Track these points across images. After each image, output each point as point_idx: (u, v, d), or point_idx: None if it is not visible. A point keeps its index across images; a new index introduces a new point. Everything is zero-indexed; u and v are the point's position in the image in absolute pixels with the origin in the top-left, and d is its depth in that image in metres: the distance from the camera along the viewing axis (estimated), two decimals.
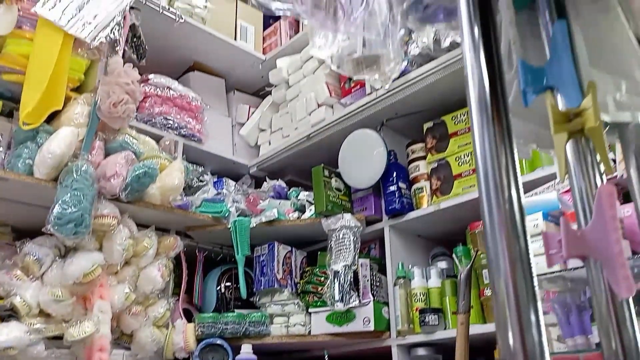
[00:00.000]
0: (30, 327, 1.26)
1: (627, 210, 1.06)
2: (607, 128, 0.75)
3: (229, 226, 1.67)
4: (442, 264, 1.63)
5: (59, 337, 1.36)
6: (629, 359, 0.52)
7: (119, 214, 1.44)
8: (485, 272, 1.43)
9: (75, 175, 1.34)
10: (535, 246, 1.13)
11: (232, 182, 1.92)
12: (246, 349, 1.54)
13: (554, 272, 1.06)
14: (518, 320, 0.48)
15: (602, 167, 0.61)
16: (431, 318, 1.47)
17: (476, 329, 1.39)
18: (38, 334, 1.27)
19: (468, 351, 1.06)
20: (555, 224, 1.12)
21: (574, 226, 0.58)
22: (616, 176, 1.13)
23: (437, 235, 1.76)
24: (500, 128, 0.54)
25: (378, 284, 1.62)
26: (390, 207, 1.67)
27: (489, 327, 1.38)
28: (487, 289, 1.41)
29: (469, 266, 1.14)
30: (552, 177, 1.32)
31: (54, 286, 1.32)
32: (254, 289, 1.69)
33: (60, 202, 1.30)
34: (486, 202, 0.53)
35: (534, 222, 1.08)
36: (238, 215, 1.72)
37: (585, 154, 0.62)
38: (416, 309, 1.54)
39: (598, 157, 0.62)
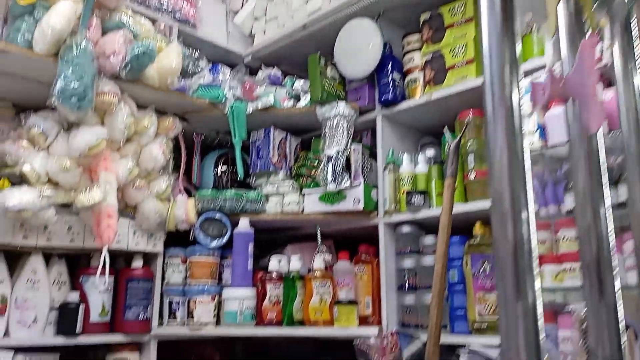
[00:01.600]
0: (41, 193, 1.34)
1: (608, 95, 1.14)
2: (596, 3, 0.80)
3: (226, 111, 1.72)
4: (430, 152, 1.72)
5: (68, 206, 1.45)
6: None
7: (120, 92, 1.48)
8: (470, 157, 1.53)
9: (75, 51, 1.36)
10: None
11: (227, 69, 1.94)
12: (244, 222, 1.66)
13: (536, 151, 1.16)
14: (510, 194, 0.52)
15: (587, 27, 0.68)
16: (417, 199, 1.59)
17: (458, 207, 1.52)
18: (49, 200, 1.35)
19: (452, 210, 1.19)
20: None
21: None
22: (606, 65, 1.19)
23: (427, 125, 1.84)
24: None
25: (369, 168, 1.72)
26: (383, 97, 1.73)
27: (470, 206, 1.50)
28: (470, 174, 1.52)
29: (458, 138, 1.24)
30: (542, 67, 1.38)
31: (61, 157, 1.39)
32: (250, 171, 1.79)
33: (62, 76, 1.33)
34: (489, 84, 0.55)
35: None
36: (235, 101, 1.76)
37: (574, 13, 0.68)
38: (403, 192, 1.65)
39: (585, 17, 0.68)
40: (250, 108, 1.73)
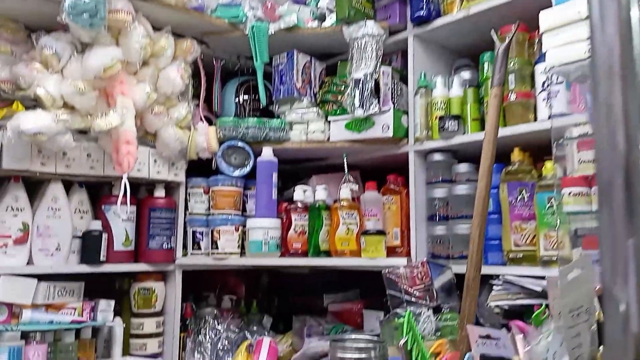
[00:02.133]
0: (57, 117, 1.29)
1: None
2: None
3: (247, 32, 1.62)
4: (466, 74, 1.60)
5: (86, 132, 1.40)
6: None
7: (134, 11, 1.39)
8: (510, 77, 1.41)
9: None
10: (574, 33, 1.09)
11: None
12: (267, 151, 1.60)
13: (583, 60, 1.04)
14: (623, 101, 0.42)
15: None
16: (450, 124, 1.49)
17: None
18: (65, 124, 1.30)
19: (498, 122, 1.10)
20: None
21: None
22: None
23: (463, 46, 1.70)
24: None
25: (399, 92, 1.61)
26: (416, 15, 1.59)
27: (509, 131, 1.39)
28: (510, 95, 1.40)
29: (508, 40, 1.11)
30: None
31: (76, 79, 1.33)
32: (273, 98, 1.70)
33: None
34: None
35: (576, 9, 1.02)
36: (255, 22, 1.65)
37: None
38: (436, 117, 1.55)
39: None
40: (272, 29, 1.62)
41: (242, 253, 1.61)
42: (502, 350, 0.86)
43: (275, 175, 1.59)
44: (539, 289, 1.23)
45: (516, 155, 1.40)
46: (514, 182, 1.39)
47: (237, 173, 1.60)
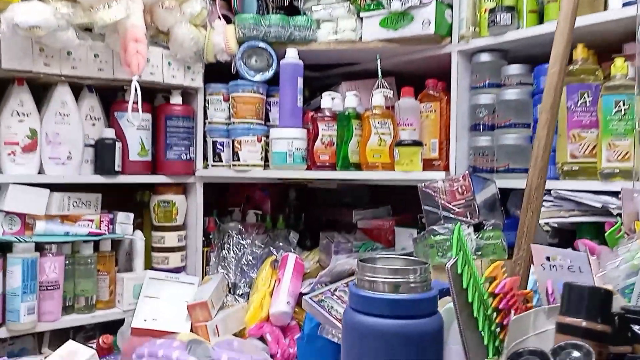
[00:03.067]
0: (57, 10, 1.15)
1: None
2: None
3: None
4: None
5: (91, 30, 1.27)
6: None
7: None
8: None
9: None
10: None
11: None
12: (291, 53, 1.44)
13: None
14: None
15: None
16: (503, 17, 1.29)
17: (555, 25, 1.22)
18: (65, 18, 1.17)
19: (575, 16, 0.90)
20: None
21: None
22: None
23: None
24: None
25: None
26: None
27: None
28: None
29: None
30: None
31: None
32: None
33: None
34: None
35: None
36: None
37: None
38: (485, 10, 1.35)
39: None
40: None
41: (266, 165, 1.51)
42: (576, 276, 0.74)
43: (300, 81, 1.44)
44: (598, 205, 1.09)
45: (579, 52, 1.21)
46: (575, 84, 1.20)
47: (258, 77, 1.46)
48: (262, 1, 1.55)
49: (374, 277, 0.84)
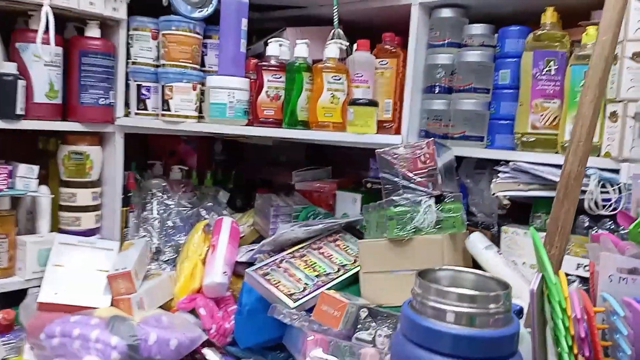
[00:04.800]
0: None
1: None
2: None
3: None
4: None
5: None
6: None
7: None
8: None
9: None
10: None
11: None
12: None
13: None
14: None
15: None
16: None
17: None
18: None
19: None
20: None
21: None
22: None
23: None
24: None
25: None
26: None
27: None
28: None
29: None
30: None
31: None
32: None
33: None
34: None
35: None
36: None
37: None
38: None
39: None
40: None
41: (200, 117, 1.36)
42: None
43: (245, 22, 1.30)
44: (557, 179, 1.09)
45: (549, 16, 1.19)
46: (542, 50, 1.18)
47: (196, 14, 1.29)
48: None
49: (441, 303, 0.68)
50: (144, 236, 1.40)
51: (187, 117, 1.33)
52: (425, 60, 1.37)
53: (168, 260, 1.39)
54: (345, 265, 1.20)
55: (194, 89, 1.32)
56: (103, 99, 1.29)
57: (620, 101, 1.02)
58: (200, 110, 1.36)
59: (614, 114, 1.04)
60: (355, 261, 1.21)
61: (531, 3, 1.23)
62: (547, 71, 1.18)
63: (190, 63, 1.32)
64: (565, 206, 0.81)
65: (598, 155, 1.08)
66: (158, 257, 1.38)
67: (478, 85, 1.29)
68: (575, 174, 0.81)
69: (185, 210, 1.49)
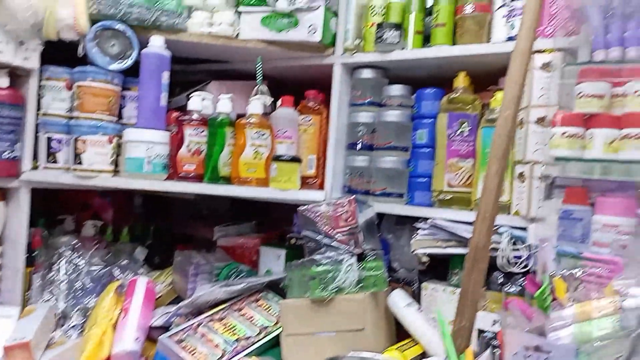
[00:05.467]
0: None
1: None
2: None
3: None
4: None
5: None
6: None
7: None
8: None
9: None
10: None
11: None
12: (157, 41, 1.28)
13: None
14: None
15: None
16: (390, 35, 1.29)
17: (443, 50, 1.26)
18: None
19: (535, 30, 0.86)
20: None
21: None
22: None
23: None
24: None
25: None
26: None
27: (459, 50, 1.24)
28: (467, 5, 1.23)
29: None
30: None
31: None
32: None
33: None
34: None
35: None
36: None
37: None
38: (371, 24, 1.34)
39: None
40: None
41: (116, 171, 1.31)
42: None
43: (166, 75, 1.29)
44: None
45: (461, 80, 1.27)
46: (456, 112, 1.25)
47: (115, 66, 1.27)
48: None
49: None
50: (49, 300, 1.30)
51: (101, 171, 1.27)
52: (348, 118, 1.41)
53: (75, 326, 1.29)
54: (267, 327, 1.17)
55: (110, 141, 1.28)
56: (8, 152, 1.22)
57: (527, 162, 1.09)
58: (116, 163, 1.32)
59: (522, 175, 1.11)
60: (277, 322, 1.18)
61: (444, 68, 1.31)
62: (460, 132, 1.25)
63: (106, 115, 1.28)
64: (474, 276, 0.83)
65: (509, 214, 1.15)
66: (64, 322, 1.28)
67: (397, 143, 1.33)
68: (483, 244, 0.84)
69: (96, 269, 1.40)
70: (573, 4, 0.93)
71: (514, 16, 1.17)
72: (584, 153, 0.86)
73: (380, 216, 1.35)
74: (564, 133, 0.88)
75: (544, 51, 1.09)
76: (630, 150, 0.80)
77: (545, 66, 1.09)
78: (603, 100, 0.86)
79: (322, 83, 1.42)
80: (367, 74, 1.38)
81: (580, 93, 0.88)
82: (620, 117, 0.83)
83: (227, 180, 1.31)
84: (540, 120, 1.09)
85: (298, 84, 1.51)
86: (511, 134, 0.86)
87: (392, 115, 1.34)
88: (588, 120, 0.87)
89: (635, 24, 0.82)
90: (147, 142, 1.25)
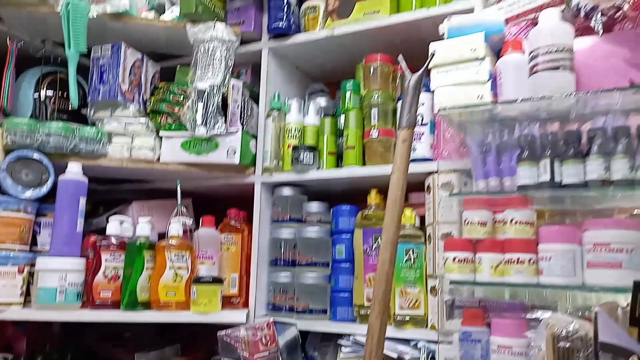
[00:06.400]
0: None
1: None
2: None
3: (59, 9, 1.30)
4: (322, 101, 1.50)
5: None
6: None
7: None
8: (373, 111, 1.35)
9: None
10: (468, 73, 1.04)
11: None
12: (74, 168, 1.29)
13: (481, 105, 0.99)
14: None
15: None
16: (306, 156, 1.37)
17: (354, 170, 1.34)
18: None
19: (406, 173, 0.94)
20: (493, 50, 1.04)
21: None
22: None
23: (319, 70, 1.63)
24: None
25: (249, 113, 1.45)
26: (274, 25, 1.46)
27: (368, 170, 1.33)
28: (372, 131, 1.34)
29: (421, 70, 0.93)
30: (469, 12, 1.23)
31: None
32: (88, 99, 1.40)
33: None
34: None
35: (472, 45, 0.98)
36: None
37: None
38: (288, 146, 1.42)
39: None
40: (94, 11, 1.33)
41: (28, 301, 1.27)
42: None
43: (83, 201, 1.29)
44: (394, 355, 1.16)
45: (373, 197, 1.34)
46: (370, 227, 1.32)
47: (28, 194, 1.26)
48: (40, 103, 1.39)
49: None
50: None
51: (10, 304, 1.23)
52: (270, 234, 1.45)
53: None
54: None
55: (20, 271, 1.24)
56: None
57: (437, 277, 1.15)
58: (28, 291, 1.27)
59: (434, 289, 1.16)
60: None
61: (357, 185, 1.39)
62: (375, 247, 1.30)
63: (17, 244, 1.25)
64: None
65: (426, 327, 1.18)
66: None
67: (318, 259, 1.37)
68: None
69: None
70: (457, 137, 1.03)
71: (414, 140, 1.27)
72: (476, 276, 0.92)
73: (306, 332, 1.35)
74: (455, 258, 0.94)
75: (443, 172, 1.18)
76: (513, 274, 0.86)
77: (445, 186, 1.18)
78: (486, 226, 0.94)
79: (245, 199, 1.46)
80: (286, 191, 1.44)
81: (466, 220, 0.96)
82: (503, 242, 0.91)
83: (146, 305, 1.29)
84: (445, 236, 1.16)
85: (222, 201, 1.55)
86: (390, 269, 0.90)
87: (312, 231, 1.38)
88: (476, 245, 0.94)
89: (508, 157, 0.92)
90: (60, 271, 1.22)
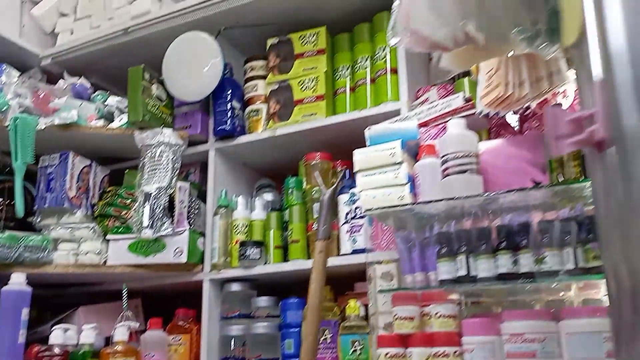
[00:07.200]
0: None
1: None
2: None
3: (7, 124, 1.36)
4: (268, 196, 1.57)
5: None
6: None
7: None
8: (315, 206, 1.41)
9: None
10: (388, 177, 1.12)
11: (15, 71, 1.57)
12: (17, 278, 1.29)
13: (399, 206, 1.07)
14: None
15: None
16: (252, 252, 1.41)
17: (299, 264, 1.38)
18: None
19: (324, 282, 1.00)
20: (410, 154, 1.13)
21: None
22: None
23: (266, 165, 1.70)
24: None
25: (196, 211, 1.49)
26: (219, 128, 1.55)
27: (312, 263, 1.36)
28: (315, 223, 1.39)
29: (334, 187, 1.01)
30: (396, 113, 1.34)
31: None
32: (35, 207, 1.43)
33: None
34: None
35: (391, 151, 1.07)
36: (21, 113, 1.41)
37: None
38: (236, 242, 1.46)
39: None
40: (42, 123, 1.39)
41: None
42: None
43: (25, 312, 1.28)
44: None
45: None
46: None
47: None
48: None
49: None
50: None
51: None
52: (220, 332, 1.45)
53: None
54: None
55: None
56: None
57: None
58: None
59: None
60: None
61: (303, 277, 1.41)
62: (323, 340, 1.32)
63: None
64: None
65: None
66: None
67: (267, 355, 1.38)
68: None
69: None
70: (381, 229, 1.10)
71: (355, 232, 1.33)
72: None
73: None
74: (387, 354, 0.98)
75: (382, 262, 1.24)
76: None
77: (385, 275, 1.23)
78: (414, 321, 0.98)
79: (196, 295, 1.47)
80: (235, 287, 1.46)
81: (395, 315, 1.00)
82: (431, 336, 0.95)
83: None
84: (388, 326, 1.19)
85: (172, 298, 1.56)
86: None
87: (261, 327, 1.40)
88: (406, 340, 0.98)
89: (431, 252, 0.98)
90: None
